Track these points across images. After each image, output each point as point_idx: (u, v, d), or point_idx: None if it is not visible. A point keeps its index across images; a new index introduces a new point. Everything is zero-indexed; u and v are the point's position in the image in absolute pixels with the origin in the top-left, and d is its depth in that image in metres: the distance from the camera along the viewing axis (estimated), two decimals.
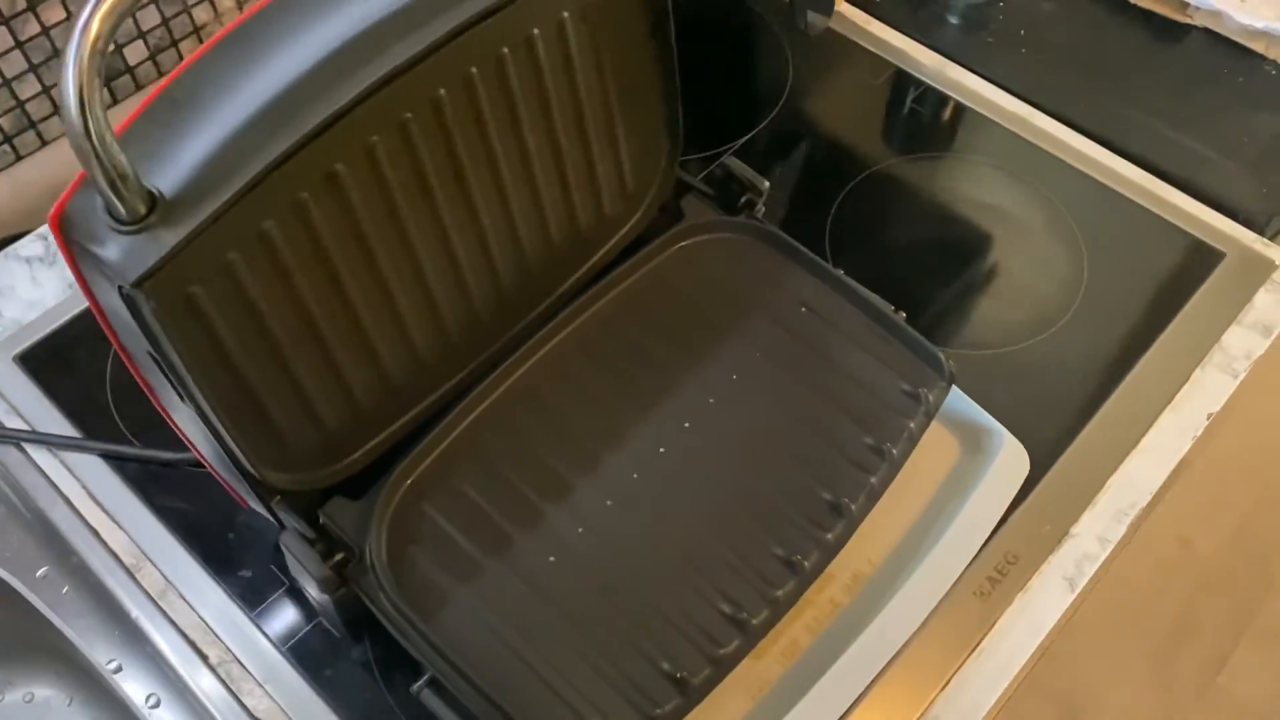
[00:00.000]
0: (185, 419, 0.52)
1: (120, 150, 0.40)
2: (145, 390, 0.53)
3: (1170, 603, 1.47)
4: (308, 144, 0.45)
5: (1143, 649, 1.43)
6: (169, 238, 0.42)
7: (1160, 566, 1.49)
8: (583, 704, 0.51)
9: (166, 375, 0.47)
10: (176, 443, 0.59)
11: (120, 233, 0.42)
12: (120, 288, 0.42)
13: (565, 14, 0.54)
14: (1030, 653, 0.60)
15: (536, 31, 0.53)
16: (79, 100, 0.39)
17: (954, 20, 0.89)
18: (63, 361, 0.70)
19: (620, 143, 0.61)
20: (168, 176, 0.43)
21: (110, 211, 0.42)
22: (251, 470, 0.52)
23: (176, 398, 0.49)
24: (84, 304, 0.66)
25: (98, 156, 0.40)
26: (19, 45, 0.72)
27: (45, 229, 0.75)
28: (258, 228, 0.47)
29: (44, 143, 0.78)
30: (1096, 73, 0.85)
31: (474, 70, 0.51)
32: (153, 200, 0.42)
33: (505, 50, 0.52)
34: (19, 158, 0.77)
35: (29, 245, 0.76)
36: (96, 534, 0.63)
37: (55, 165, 0.79)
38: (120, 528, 0.63)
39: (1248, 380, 0.69)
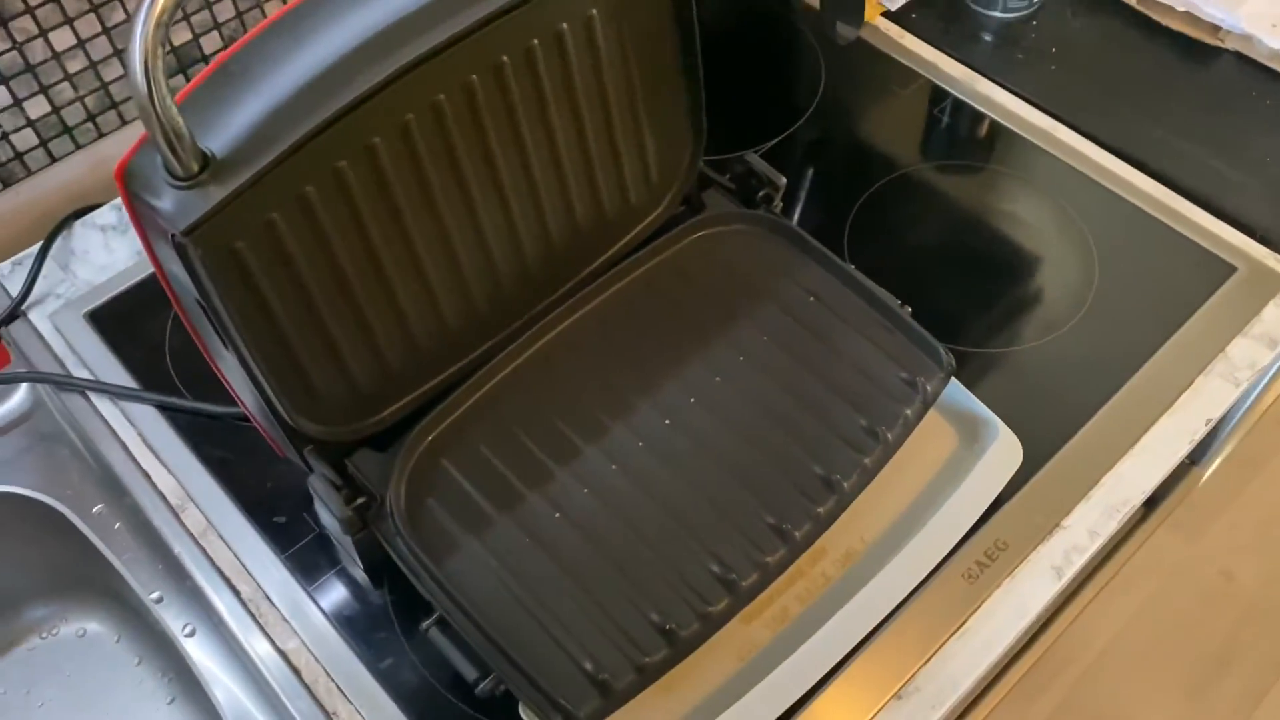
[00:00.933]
0: (229, 366, 0.57)
1: (178, 113, 0.45)
2: (194, 337, 0.58)
3: (1211, 634, 1.45)
4: (344, 116, 0.49)
5: (1181, 678, 1.41)
6: (217, 193, 0.47)
7: (1202, 598, 1.48)
8: (577, 648, 0.55)
9: (212, 322, 0.52)
10: (225, 398, 0.64)
11: (175, 187, 0.47)
12: (172, 236, 0.47)
13: (594, 11, 0.58)
14: (1013, 636, 0.62)
15: (565, 26, 0.57)
16: (144, 66, 0.44)
17: (987, 38, 0.92)
18: (127, 321, 0.76)
19: (646, 136, 0.65)
20: (220, 139, 0.48)
21: (167, 168, 0.47)
22: (286, 418, 0.56)
23: (220, 345, 0.54)
24: (150, 270, 0.72)
25: (158, 117, 0.45)
26: (105, 31, 0.79)
27: (120, 200, 0.81)
28: (299, 191, 0.51)
29: (124, 122, 0.84)
30: (1125, 91, 0.87)
31: (505, 59, 0.55)
32: (205, 160, 0.47)
33: (535, 42, 0.56)
34: (101, 135, 0.84)
35: (104, 215, 0.82)
36: (148, 476, 0.68)
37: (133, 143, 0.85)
38: (169, 472, 0.68)
39: None
